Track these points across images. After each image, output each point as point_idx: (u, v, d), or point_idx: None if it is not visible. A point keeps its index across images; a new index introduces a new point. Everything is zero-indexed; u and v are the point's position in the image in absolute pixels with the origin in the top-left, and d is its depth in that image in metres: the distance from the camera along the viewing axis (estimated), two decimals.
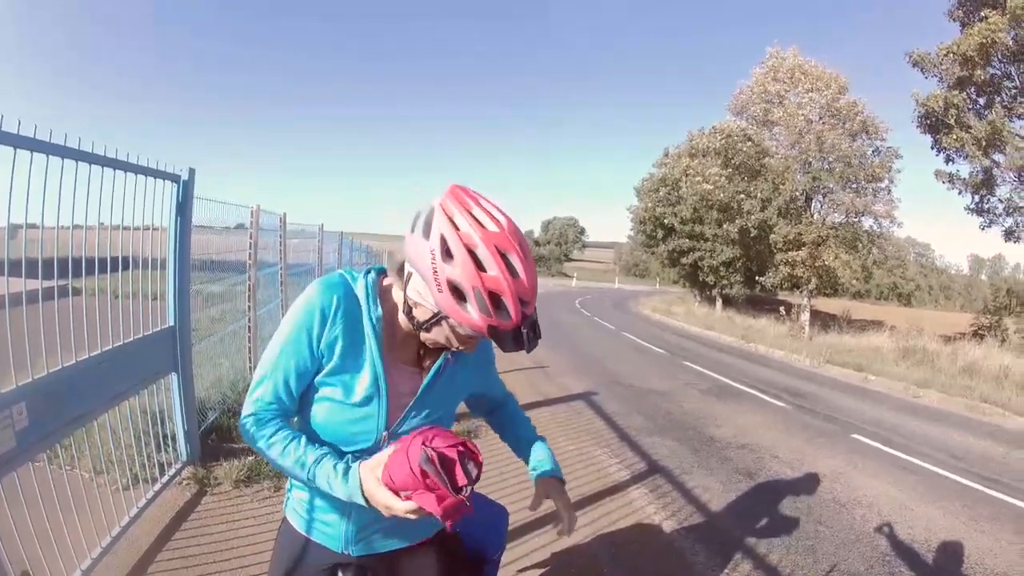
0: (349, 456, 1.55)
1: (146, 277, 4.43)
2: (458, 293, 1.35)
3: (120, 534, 3.82)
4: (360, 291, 1.61)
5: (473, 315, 1.35)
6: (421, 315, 1.49)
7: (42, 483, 3.04)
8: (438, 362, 1.66)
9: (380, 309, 1.61)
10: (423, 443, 1.35)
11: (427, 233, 1.36)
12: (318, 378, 1.61)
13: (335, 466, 1.50)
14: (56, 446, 3.48)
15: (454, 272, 1.33)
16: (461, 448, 1.37)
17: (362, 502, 1.44)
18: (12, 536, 2.82)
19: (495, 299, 1.34)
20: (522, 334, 1.36)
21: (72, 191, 3.16)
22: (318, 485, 1.51)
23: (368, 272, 1.66)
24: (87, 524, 3.53)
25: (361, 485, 1.43)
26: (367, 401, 1.59)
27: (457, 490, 1.32)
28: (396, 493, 1.36)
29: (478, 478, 1.37)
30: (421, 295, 1.46)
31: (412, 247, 1.41)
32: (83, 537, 3.45)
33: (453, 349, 1.54)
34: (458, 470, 1.34)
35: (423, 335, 1.54)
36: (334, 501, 1.64)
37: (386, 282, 1.66)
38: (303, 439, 1.57)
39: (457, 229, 1.34)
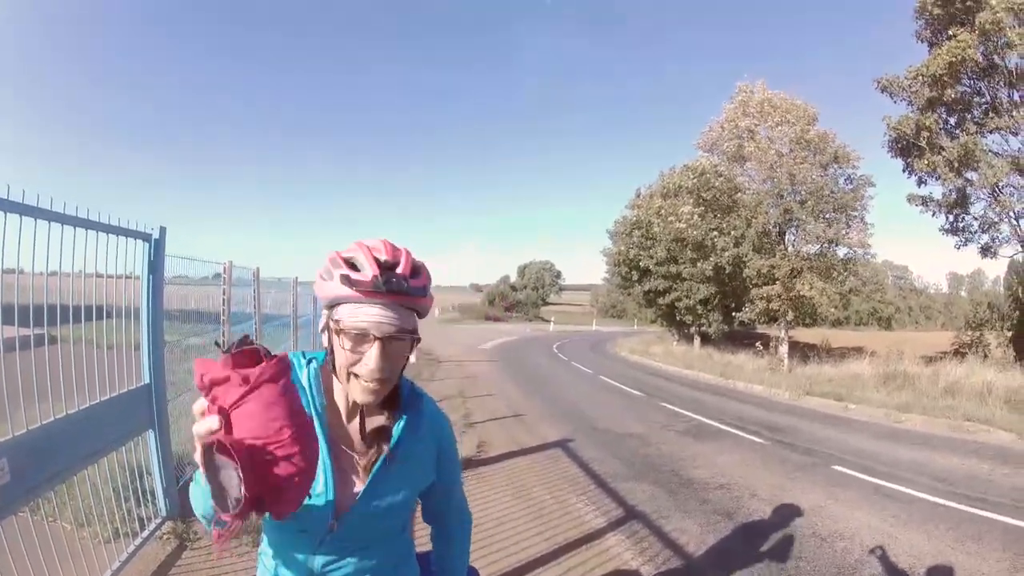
0: None
1: (121, 327, 4.46)
2: (326, 274, 1.49)
3: None
4: (304, 379, 1.62)
5: (334, 280, 1.46)
6: (325, 340, 1.57)
7: (25, 534, 3.06)
8: (382, 457, 1.63)
9: (323, 397, 1.62)
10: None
11: None
12: None
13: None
14: (38, 499, 3.48)
15: (324, 264, 1.51)
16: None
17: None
18: None
19: (350, 263, 1.48)
20: (379, 278, 1.43)
21: (46, 248, 3.22)
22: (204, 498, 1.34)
23: (311, 360, 1.67)
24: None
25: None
26: (313, 493, 1.55)
27: (225, 507, 1.11)
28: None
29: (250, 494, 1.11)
30: (321, 322, 1.58)
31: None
32: None
33: (364, 375, 1.50)
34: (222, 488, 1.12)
35: (344, 386, 1.57)
36: (299, 568, 1.63)
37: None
38: None
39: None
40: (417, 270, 1.53)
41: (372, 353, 1.47)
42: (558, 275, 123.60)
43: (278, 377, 1.20)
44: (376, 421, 1.67)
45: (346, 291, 1.44)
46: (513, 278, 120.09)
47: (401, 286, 1.46)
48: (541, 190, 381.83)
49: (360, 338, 1.47)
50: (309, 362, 1.65)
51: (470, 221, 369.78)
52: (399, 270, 1.48)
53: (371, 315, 1.46)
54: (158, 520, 4.91)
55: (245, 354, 1.21)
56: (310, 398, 1.59)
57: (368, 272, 1.44)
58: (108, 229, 3.93)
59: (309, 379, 1.61)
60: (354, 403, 1.60)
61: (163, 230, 4.77)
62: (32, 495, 3.17)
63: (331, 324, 1.51)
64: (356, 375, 1.50)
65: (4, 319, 2.92)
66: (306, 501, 1.44)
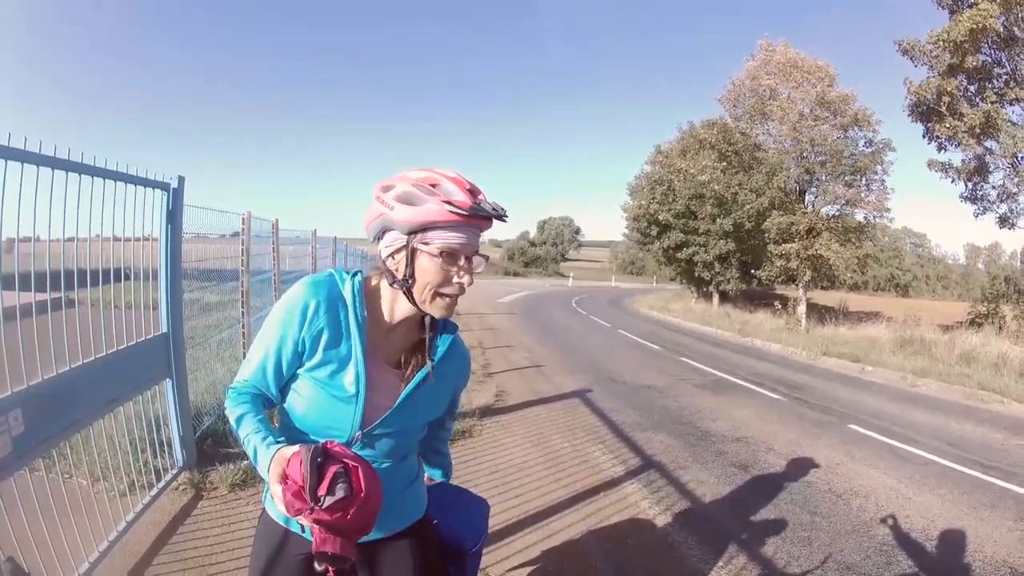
0: (270, 439, 1.56)
1: (139, 288, 4.43)
2: (406, 200, 1.53)
3: (117, 539, 3.83)
4: (347, 292, 1.65)
5: (428, 206, 1.51)
6: (400, 265, 1.60)
7: (39, 490, 3.06)
8: (420, 373, 1.70)
9: (364, 310, 1.66)
10: (325, 447, 1.38)
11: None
12: (301, 370, 1.66)
13: (262, 439, 1.56)
14: (54, 454, 3.48)
15: (398, 189, 1.55)
16: (346, 466, 1.35)
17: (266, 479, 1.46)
18: (9, 540, 2.84)
19: (435, 186, 1.53)
20: (481, 204, 1.53)
21: (63, 202, 3.18)
22: (248, 455, 1.58)
23: (355, 274, 1.70)
24: (84, 529, 3.55)
25: (269, 466, 1.45)
26: (345, 400, 1.63)
27: (314, 497, 1.29)
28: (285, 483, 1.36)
29: (343, 506, 1.31)
30: (391, 246, 1.59)
31: (370, 217, 1.63)
32: (80, 542, 3.46)
33: (453, 292, 1.60)
34: (328, 482, 1.31)
35: (421, 305, 1.61)
36: None
37: (374, 282, 1.71)
38: (253, 414, 1.63)
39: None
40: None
41: (464, 271, 1.59)
42: (577, 231, 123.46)
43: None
44: (412, 339, 1.76)
45: (444, 215, 1.50)
46: (532, 233, 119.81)
47: (499, 210, 1.56)
48: (562, 145, 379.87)
49: (452, 258, 1.57)
50: (353, 276, 1.70)
51: (489, 176, 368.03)
52: (481, 196, 1.56)
53: (463, 237, 1.55)
54: (174, 471, 4.94)
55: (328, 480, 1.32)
56: (352, 309, 1.65)
57: (464, 197, 1.52)
58: (126, 179, 3.88)
59: (353, 292, 1.66)
60: (401, 320, 1.70)
61: (181, 179, 4.73)
62: (48, 445, 3.16)
63: (418, 247, 1.56)
64: (441, 294, 1.59)
65: (21, 285, 2.91)
66: (336, 412, 1.66)
